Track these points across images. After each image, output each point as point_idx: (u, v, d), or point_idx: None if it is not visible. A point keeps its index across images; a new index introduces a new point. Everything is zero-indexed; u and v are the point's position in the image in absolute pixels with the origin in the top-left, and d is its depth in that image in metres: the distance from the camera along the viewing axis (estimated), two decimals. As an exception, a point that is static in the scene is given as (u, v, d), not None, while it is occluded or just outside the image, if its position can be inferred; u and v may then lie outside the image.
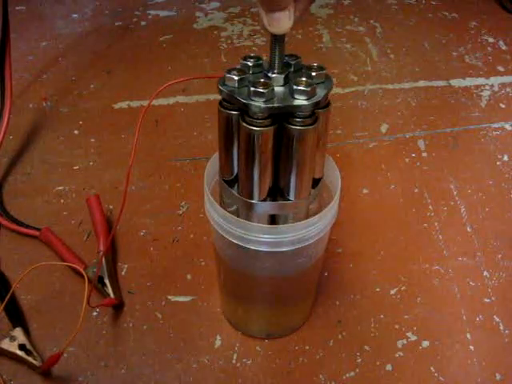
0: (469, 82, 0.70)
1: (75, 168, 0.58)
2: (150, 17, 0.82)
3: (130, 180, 0.56)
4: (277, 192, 0.32)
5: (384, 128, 0.63)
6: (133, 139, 0.60)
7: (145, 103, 0.65)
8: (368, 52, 0.75)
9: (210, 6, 0.85)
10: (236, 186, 0.33)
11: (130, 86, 0.68)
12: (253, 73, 0.30)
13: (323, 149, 0.32)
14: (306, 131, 0.28)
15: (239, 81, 0.28)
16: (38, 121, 0.63)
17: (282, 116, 0.28)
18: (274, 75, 0.29)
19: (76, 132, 0.62)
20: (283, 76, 0.29)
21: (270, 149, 0.29)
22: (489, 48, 0.76)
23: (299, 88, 0.27)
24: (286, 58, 0.30)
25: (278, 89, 0.28)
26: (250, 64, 0.29)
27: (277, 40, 0.28)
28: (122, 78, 0.70)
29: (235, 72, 0.28)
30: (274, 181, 0.32)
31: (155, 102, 0.65)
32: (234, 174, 0.33)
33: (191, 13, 0.83)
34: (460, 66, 0.73)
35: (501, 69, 0.72)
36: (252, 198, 0.32)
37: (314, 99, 0.27)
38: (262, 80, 0.28)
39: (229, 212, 0.32)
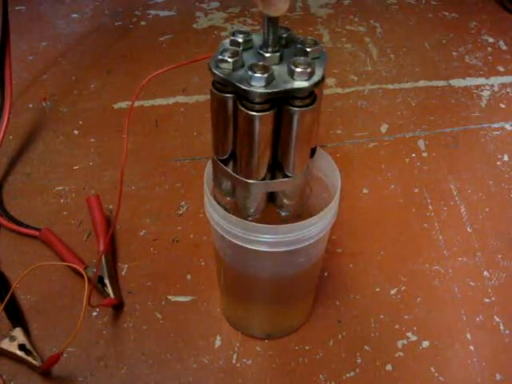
0: (469, 81, 0.70)
1: (75, 168, 0.58)
2: (149, 17, 0.82)
3: (130, 180, 0.56)
4: (275, 167, 0.31)
5: (384, 128, 0.63)
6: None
7: (145, 103, 0.65)
8: (368, 52, 0.75)
9: (210, 5, 0.85)
10: (231, 165, 0.32)
11: (130, 86, 0.68)
12: (244, 49, 0.28)
13: (318, 120, 0.31)
14: (307, 111, 0.28)
15: (234, 63, 0.27)
16: (37, 121, 0.63)
17: (281, 98, 0.27)
18: (268, 54, 0.28)
19: (76, 132, 0.62)
20: (278, 54, 0.27)
21: (269, 131, 0.28)
22: (489, 48, 0.76)
23: (298, 70, 0.26)
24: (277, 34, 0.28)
25: (275, 68, 0.27)
26: (240, 40, 0.28)
27: (271, 18, 0.27)
28: (122, 78, 0.70)
29: (228, 54, 0.27)
30: (273, 157, 0.31)
31: (155, 102, 0.65)
32: (229, 153, 0.32)
33: (191, 13, 0.83)
34: (460, 66, 0.73)
35: (501, 69, 0.72)
36: (250, 178, 0.31)
37: (314, 79, 0.26)
38: (260, 63, 0.26)
39: (223, 194, 0.31)
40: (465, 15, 0.83)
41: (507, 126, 0.63)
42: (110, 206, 0.53)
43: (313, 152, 0.32)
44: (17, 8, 0.83)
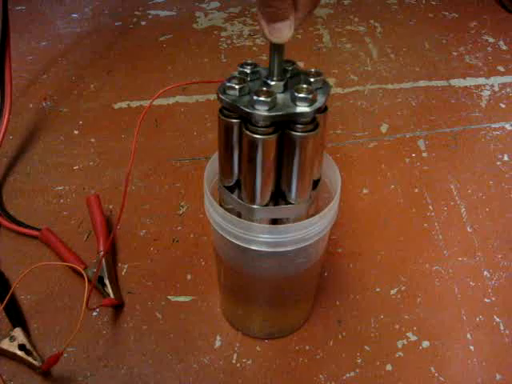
0: (469, 81, 0.70)
1: (75, 168, 0.58)
2: (150, 17, 0.82)
3: (131, 180, 0.56)
4: (278, 196, 0.32)
5: (384, 128, 0.63)
6: (132, 140, 0.60)
7: (145, 103, 0.66)
8: (368, 52, 0.75)
9: (209, 5, 0.85)
10: (236, 192, 0.33)
11: (130, 86, 0.68)
12: (251, 80, 0.30)
13: (322, 151, 0.32)
14: (308, 137, 0.29)
15: (240, 89, 0.28)
16: (37, 121, 0.63)
17: (283, 123, 0.29)
18: (273, 82, 0.29)
19: (76, 132, 0.62)
20: (283, 82, 0.29)
21: (272, 155, 0.29)
22: (489, 48, 0.76)
23: (301, 95, 0.27)
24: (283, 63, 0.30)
25: (279, 96, 0.28)
26: (247, 71, 0.30)
27: (276, 48, 0.28)
28: (122, 78, 0.70)
29: (235, 81, 0.29)
30: (276, 184, 0.32)
31: (155, 102, 0.65)
32: (235, 180, 0.33)
33: (191, 13, 0.83)
34: (460, 65, 0.73)
35: (501, 69, 0.72)
36: (254, 204, 0.32)
37: (316, 105, 0.28)
38: (264, 88, 0.28)
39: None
40: (465, 15, 0.83)
41: (507, 126, 0.63)
42: (110, 206, 0.53)
43: (315, 184, 0.33)
44: (17, 8, 0.83)
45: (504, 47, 0.76)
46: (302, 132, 0.28)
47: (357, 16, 0.83)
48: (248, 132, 0.28)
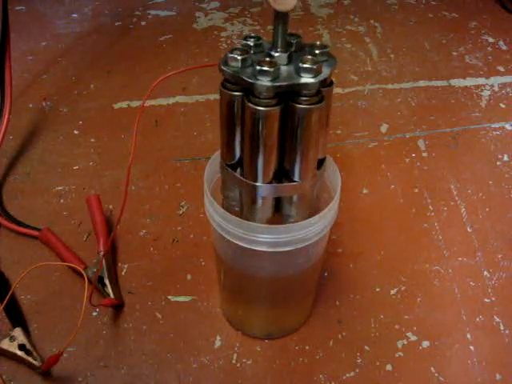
0: (469, 82, 0.70)
1: (75, 168, 0.58)
2: (149, 17, 0.82)
3: (131, 180, 0.56)
4: (282, 174, 0.31)
5: (384, 128, 0.63)
6: (131, 139, 0.60)
7: (145, 103, 0.65)
8: (368, 52, 0.75)
9: (210, 5, 0.85)
10: (239, 170, 0.32)
11: (130, 86, 0.68)
12: (254, 52, 0.29)
13: (326, 128, 0.31)
14: (313, 110, 0.28)
15: (242, 60, 0.27)
16: (37, 121, 0.63)
17: (287, 95, 0.28)
18: (277, 54, 0.28)
19: (76, 132, 0.62)
20: (287, 54, 0.28)
21: (276, 129, 0.29)
22: (489, 48, 0.76)
23: (305, 66, 0.26)
24: (287, 36, 0.29)
25: (283, 67, 0.28)
26: (251, 44, 0.29)
27: (280, 17, 0.27)
28: (122, 78, 0.70)
29: (238, 52, 0.28)
30: (279, 162, 0.31)
31: (155, 102, 0.65)
32: (237, 158, 0.32)
33: (191, 13, 0.83)
34: (460, 65, 0.73)
35: (501, 69, 0.72)
36: (257, 181, 0.31)
37: (321, 77, 0.27)
38: (268, 59, 0.27)
39: (231, 202, 0.32)
40: (465, 15, 0.83)
41: (507, 126, 0.63)
42: (110, 206, 0.53)
43: (320, 163, 0.33)
44: (17, 8, 0.83)
45: (504, 47, 0.76)
46: (306, 105, 0.28)
47: (357, 16, 0.83)
48: (250, 104, 0.28)
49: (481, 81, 0.70)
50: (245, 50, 0.28)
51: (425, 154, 0.59)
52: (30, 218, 0.52)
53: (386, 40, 0.77)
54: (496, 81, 0.70)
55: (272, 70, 0.26)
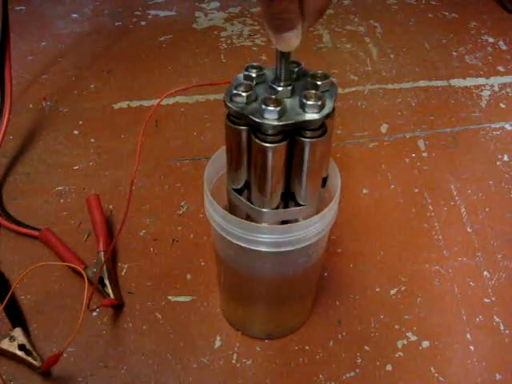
0: (469, 82, 0.70)
1: (75, 168, 0.58)
2: (149, 17, 0.82)
3: (131, 180, 0.55)
4: (287, 198, 0.32)
5: (384, 128, 0.63)
6: (135, 140, 0.60)
7: (145, 103, 0.65)
8: (368, 52, 0.75)
9: (210, 5, 0.85)
10: (245, 193, 0.33)
11: (130, 86, 0.68)
12: (257, 83, 0.30)
13: (330, 151, 0.32)
14: (317, 142, 0.29)
15: (247, 97, 0.28)
16: (37, 121, 0.63)
17: (292, 129, 0.28)
18: (280, 88, 0.29)
19: (76, 132, 0.62)
20: (290, 88, 0.29)
21: (282, 161, 0.29)
22: (489, 48, 0.76)
23: (310, 102, 0.27)
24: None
25: (287, 101, 0.28)
26: (253, 75, 0.29)
27: (284, 54, 0.28)
28: (122, 78, 0.70)
29: (242, 88, 0.28)
30: (286, 186, 0.32)
31: (155, 103, 0.65)
32: (243, 183, 0.33)
33: (191, 13, 0.83)
34: (460, 65, 0.73)
35: (501, 69, 0.72)
36: (264, 208, 0.32)
37: (325, 111, 0.27)
38: (273, 96, 0.28)
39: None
40: (465, 15, 0.83)
41: (507, 126, 0.63)
42: (110, 206, 0.53)
43: (324, 181, 0.34)
44: (17, 8, 0.83)
45: (504, 47, 0.76)
46: (310, 138, 0.28)
47: (357, 16, 0.83)
48: (257, 140, 0.28)
49: (481, 81, 0.70)
50: (248, 85, 0.29)
51: (425, 154, 0.59)
52: (30, 218, 0.52)
53: (386, 40, 0.77)
54: (496, 81, 0.70)
55: (278, 109, 0.27)
